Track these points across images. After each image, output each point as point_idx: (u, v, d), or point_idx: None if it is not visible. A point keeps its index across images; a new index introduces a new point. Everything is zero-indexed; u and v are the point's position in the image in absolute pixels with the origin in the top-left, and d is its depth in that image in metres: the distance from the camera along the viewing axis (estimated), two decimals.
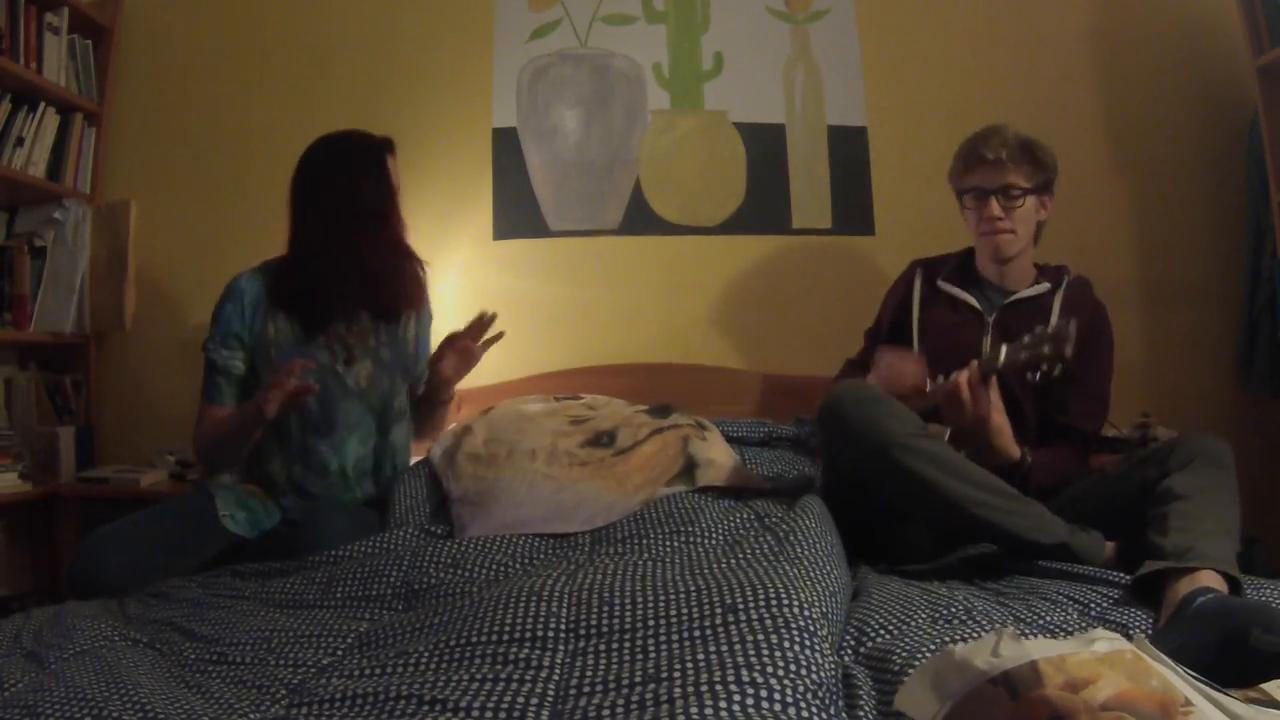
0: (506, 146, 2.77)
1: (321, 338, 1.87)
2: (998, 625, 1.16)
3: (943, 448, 1.54)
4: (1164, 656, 0.91)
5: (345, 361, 1.88)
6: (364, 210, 1.87)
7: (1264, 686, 0.97)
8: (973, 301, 1.91)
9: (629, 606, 1.10)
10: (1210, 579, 1.23)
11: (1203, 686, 0.88)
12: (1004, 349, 1.60)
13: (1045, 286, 1.88)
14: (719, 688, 0.86)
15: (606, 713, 0.88)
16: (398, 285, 1.93)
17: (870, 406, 1.55)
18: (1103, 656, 0.86)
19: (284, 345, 1.85)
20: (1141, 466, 1.53)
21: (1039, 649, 0.88)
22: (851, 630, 1.19)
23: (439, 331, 2.09)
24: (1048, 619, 1.22)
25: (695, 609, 1.05)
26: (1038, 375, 1.56)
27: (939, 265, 2.02)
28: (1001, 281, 1.92)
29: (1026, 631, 1.17)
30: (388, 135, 1.99)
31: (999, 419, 1.65)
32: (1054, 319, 1.77)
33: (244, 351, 1.87)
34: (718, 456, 1.87)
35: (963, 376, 1.62)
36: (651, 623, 1.05)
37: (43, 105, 2.48)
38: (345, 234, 1.86)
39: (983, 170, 1.85)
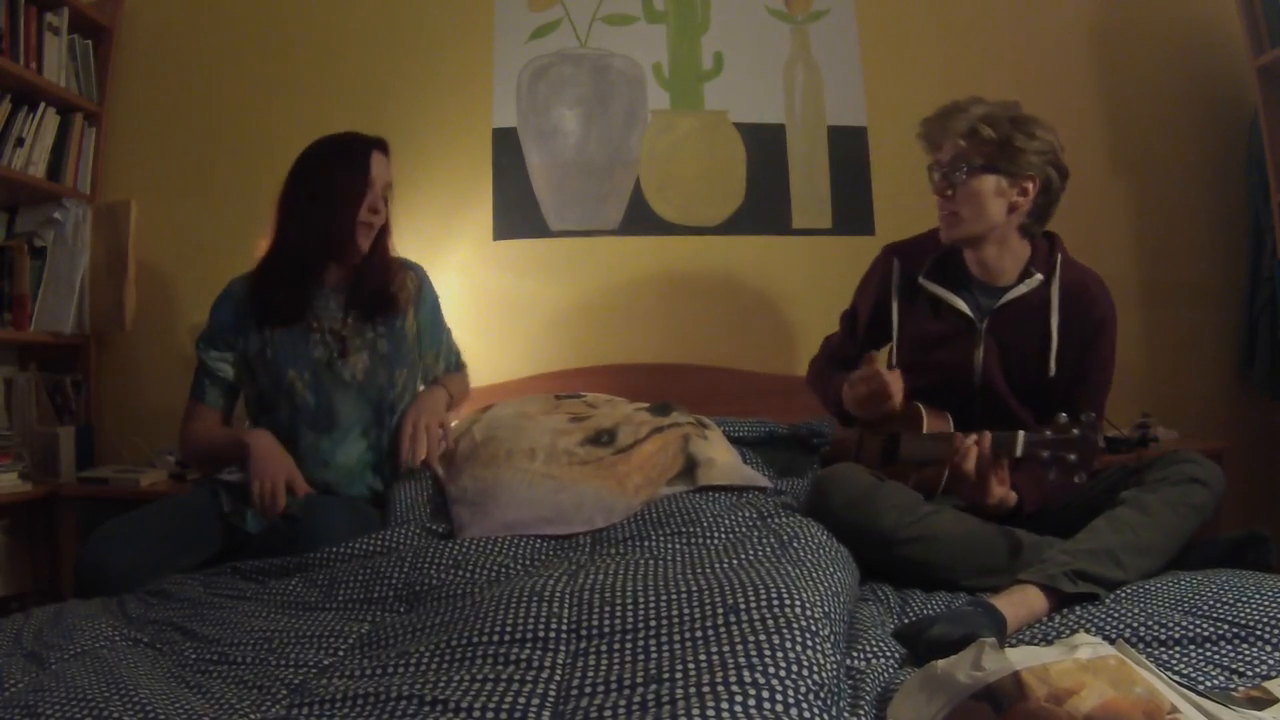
0: (506, 146, 2.77)
1: (316, 334, 1.88)
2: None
3: (940, 522, 1.49)
4: (1147, 662, 0.91)
5: (339, 354, 1.88)
6: (344, 211, 1.85)
7: (1266, 685, 0.97)
8: (961, 306, 1.75)
9: (630, 607, 1.09)
10: (1030, 593, 1.30)
11: (1188, 692, 0.87)
12: (1021, 437, 1.47)
13: (1038, 280, 1.72)
14: (720, 688, 0.85)
15: (608, 713, 0.88)
16: (383, 286, 1.93)
17: (861, 508, 1.50)
18: (1086, 664, 0.86)
19: (278, 344, 1.86)
20: (1127, 476, 1.54)
21: (1021, 659, 0.88)
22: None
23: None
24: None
25: (697, 609, 1.05)
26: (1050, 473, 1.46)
27: (918, 256, 1.84)
28: (988, 276, 1.76)
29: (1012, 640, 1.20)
30: (380, 136, 1.95)
31: (1000, 492, 1.54)
32: (1053, 319, 1.70)
33: (233, 354, 1.89)
34: (718, 455, 1.86)
35: (969, 462, 1.52)
36: (653, 623, 1.05)
37: (43, 105, 2.48)
38: (324, 237, 1.84)
39: (934, 142, 1.77)
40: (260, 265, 1.90)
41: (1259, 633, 1.10)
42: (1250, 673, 1.03)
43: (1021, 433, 1.48)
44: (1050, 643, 1.15)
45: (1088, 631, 1.19)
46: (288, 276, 1.86)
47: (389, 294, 1.93)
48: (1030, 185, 1.70)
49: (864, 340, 1.95)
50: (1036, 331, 1.71)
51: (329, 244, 1.85)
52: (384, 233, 1.96)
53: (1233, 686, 0.99)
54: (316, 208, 1.84)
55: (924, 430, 1.70)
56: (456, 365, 2.15)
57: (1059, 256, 1.75)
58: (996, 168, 1.68)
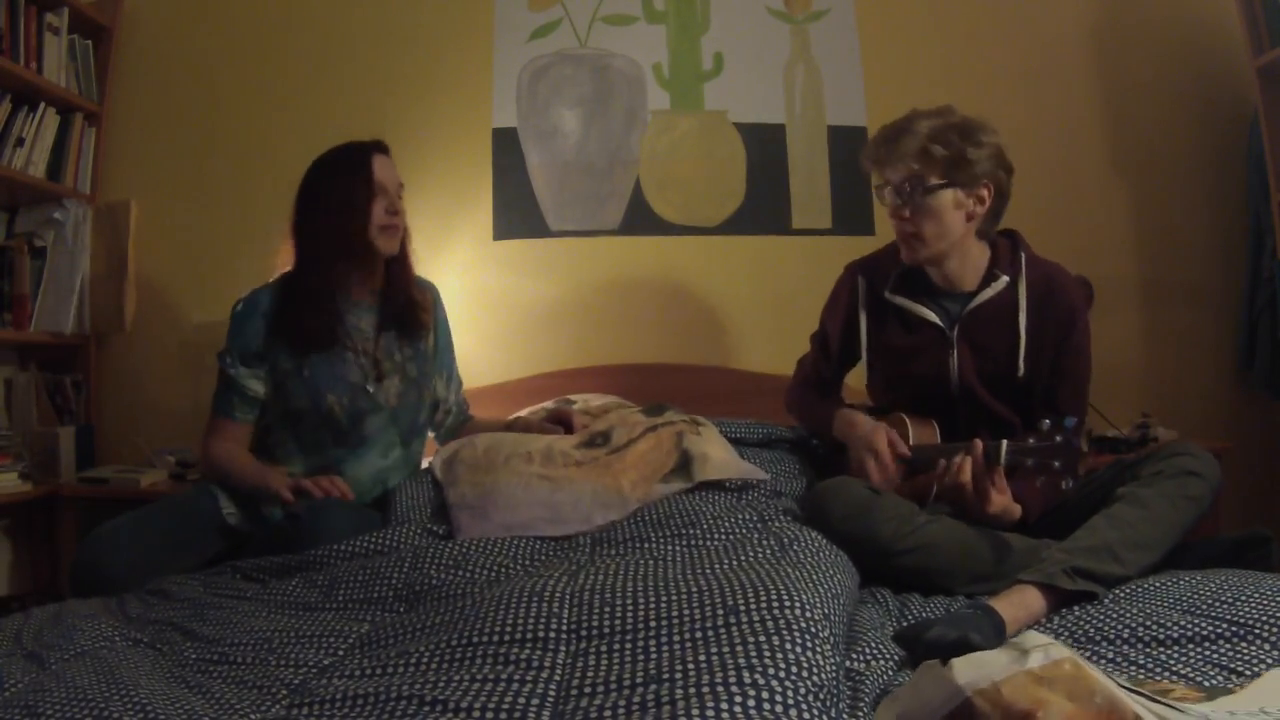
0: (506, 146, 2.77)
1: (350, 355, 1.85)
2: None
3: (937, 531, 1.49)
4: (1093, 666, 0.89)
5: (376, 379, 1.86)
6: (356, 215, 1.82)
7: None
8: (930, 316, 1.75)
9: (630, 607, 1.10)
10: (1029, 594, 1.30)
11: (1144, 700, 0.84)
12: (1004, 446, 1.47)
13: (1004, 281, 1.71)
14: (720, 689, 0.86)
15: (608, 713, 0.88)
16: (409, 296, 1.92)
17: (858, 520, 1.50)
18: (1040, 675, 0.82)
19: (316, 366, 1.82)
20: (1122, 472, 1.54)
21: (967, 671, 0.84)
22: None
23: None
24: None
25: (697, 610, 1.05)
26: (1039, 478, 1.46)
27: (881, 271, 1.83)
28: (952, 285, 1.75)
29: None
30: (377, 138, 1.93)
31: (1002, 501, 1.51)
32: (1022, 319, 1.68)
33: (264, 370, 1.84)
34: (713, 451, 1.86)
35: (965, 474, 1.51)
36: (653, 624, 1.05)
37: (43, 105, 2.48)
38: (340, 246, 1.82)
39: (882, 165, 1.71)
40: (288, 288, 1.85)
41: (1258, 631, 1.10)
42: (1249, 671, 1.03)
43: (1005, 441, 1.48)
44: None
45: (1087, 633, 1.19)
46: (318, 298, 1.81)
47: (416, 305, 1.92)
48: (985, 192, 1.69)
49: (838, 360, 1.96)
50: (1007, 333, 1.71)
51: (346, 252, 1.82)
52: (405, 239, 1.94)
53: (1232, 685, 0.99)
54: (328, 219, 1.81)
55: (910, 440, 1.71)
56: (464, 411, 2.13)
57: (1024, 255, 1.74)
58: (953, 181, 1.66)
